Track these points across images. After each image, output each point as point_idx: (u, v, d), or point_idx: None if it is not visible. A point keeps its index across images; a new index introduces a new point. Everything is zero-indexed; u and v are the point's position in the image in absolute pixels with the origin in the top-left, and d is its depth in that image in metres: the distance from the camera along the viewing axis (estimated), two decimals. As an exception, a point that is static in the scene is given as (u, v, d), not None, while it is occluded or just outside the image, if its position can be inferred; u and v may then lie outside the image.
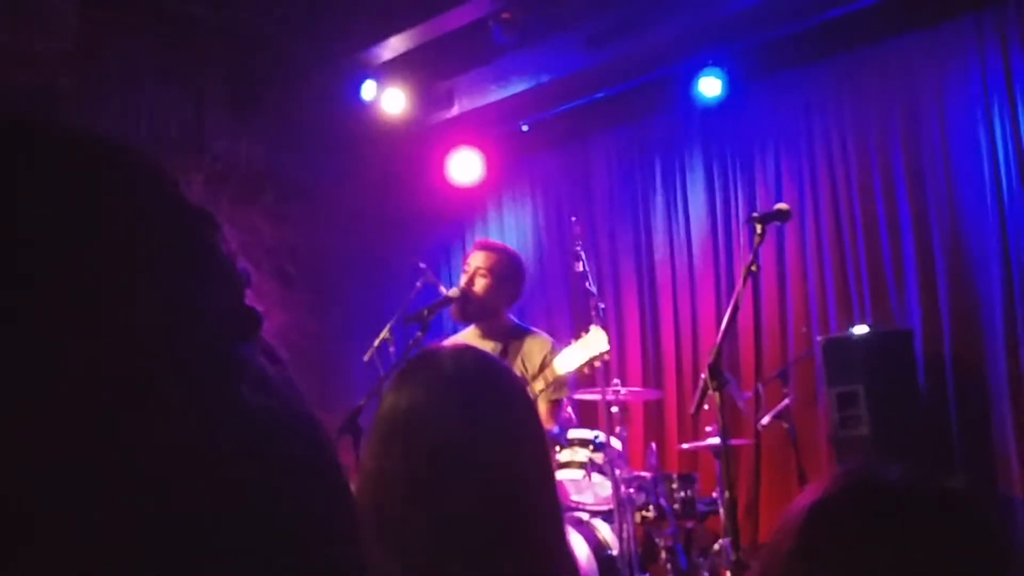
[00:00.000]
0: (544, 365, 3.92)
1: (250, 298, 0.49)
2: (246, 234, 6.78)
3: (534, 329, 4.14)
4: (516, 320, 4.18)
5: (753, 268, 2.92)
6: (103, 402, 0.41)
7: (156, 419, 0.42)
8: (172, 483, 0.42)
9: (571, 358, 3.78)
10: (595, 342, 3.75)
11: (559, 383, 3.93)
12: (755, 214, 3.12)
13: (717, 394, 2.74)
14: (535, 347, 3.96)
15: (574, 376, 4.04)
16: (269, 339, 0.49)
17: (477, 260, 4.10)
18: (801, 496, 1.07)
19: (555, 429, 4.06)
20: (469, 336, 4.10)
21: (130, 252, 0.45)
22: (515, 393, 1.43)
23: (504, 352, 3.98)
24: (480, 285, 4.04)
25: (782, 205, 3.17)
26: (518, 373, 3.72)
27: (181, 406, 0.43)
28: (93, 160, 0.47)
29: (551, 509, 1.40)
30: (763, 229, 3.02)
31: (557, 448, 4.58)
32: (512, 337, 4.04)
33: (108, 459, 0.41)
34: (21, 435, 0.40)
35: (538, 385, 3.82)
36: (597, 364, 3.82)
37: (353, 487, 1.43)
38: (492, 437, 1.34)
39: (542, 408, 3.88)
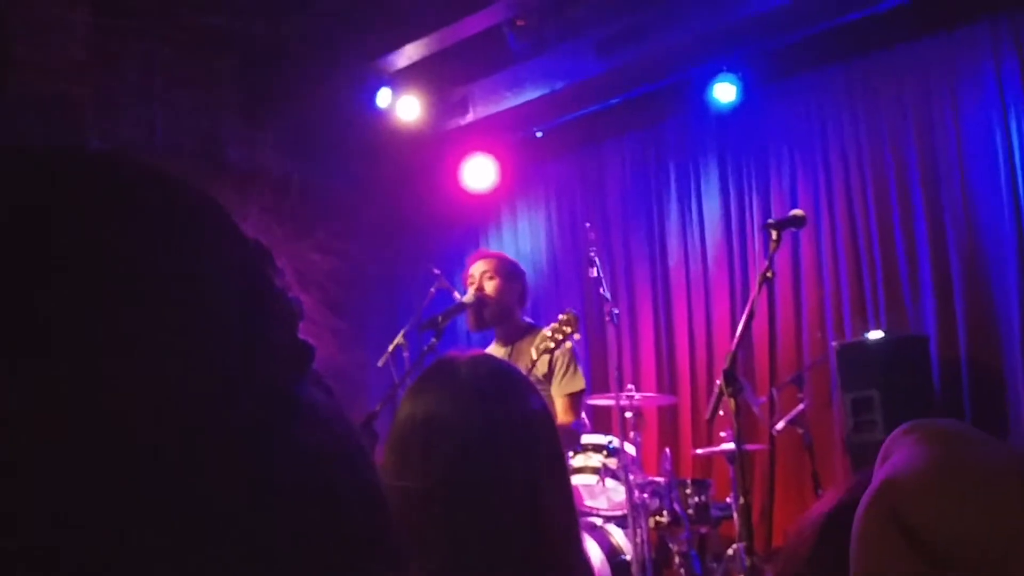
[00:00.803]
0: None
1: (302, 330, 0.50)
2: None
3: (547, 327, 4.14)
4: (530, 320, 4.20)
5: (769, 275, 2.93)
6: (160, 443, 0.42)
7: (212, 460, 0.43)
8: (230, 525, 0.43)
9: (543, 340, 3.81)
10: (564, 324, 3.79)
11: (569, 376, 3.94)
12: (770, 220, 3.12)
13: (732, 400, 2.74)
14: (538, 340, 3.97)
15: (585, 371, 4.08)
16: (319, 369, 0.50)
17: (479, 267, 4.13)
18: (816, 504, 1.08)
19: (574, 423, 4.06)
20: (490, 349, 4.11)
21: (192, 289, 0.45)
22: (532, 401, 1.43)
23: (511, 353, 4.00)
24: (491, 287, 4.06)
25: (797, 211, 3.17)
26: (524, 368, 3.73)
27: (238, 448, 0.44)
28: (158, 196, 0.48)
29: (568, 517, 1.40)
30: (779, 235, 3.03)
31: (571, 452, 4.59)
32: (523, 336, 4.06)
33: (164, 502, 0.41)
34: (77, 471, 0.41)
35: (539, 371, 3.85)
36: (569, 345, 3.85)
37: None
38: (509, 445, 1.35)
39: (559, 403, 3.89)
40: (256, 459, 0.44)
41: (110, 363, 0.42)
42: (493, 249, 6.58)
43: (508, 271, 4.12)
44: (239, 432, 0.44)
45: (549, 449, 1.40)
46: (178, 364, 0.43)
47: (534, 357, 3.80)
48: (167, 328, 0.44)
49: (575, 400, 4.00)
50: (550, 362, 3.91)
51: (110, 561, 0.40)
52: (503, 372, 1.44)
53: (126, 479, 0.41)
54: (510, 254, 4.85)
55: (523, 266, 4.41)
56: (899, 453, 0.91)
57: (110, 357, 0.42)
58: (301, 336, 0.49)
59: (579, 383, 3.99)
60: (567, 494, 1.43)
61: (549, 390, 3.90)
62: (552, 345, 3.80)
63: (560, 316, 3.85)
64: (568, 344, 3.87)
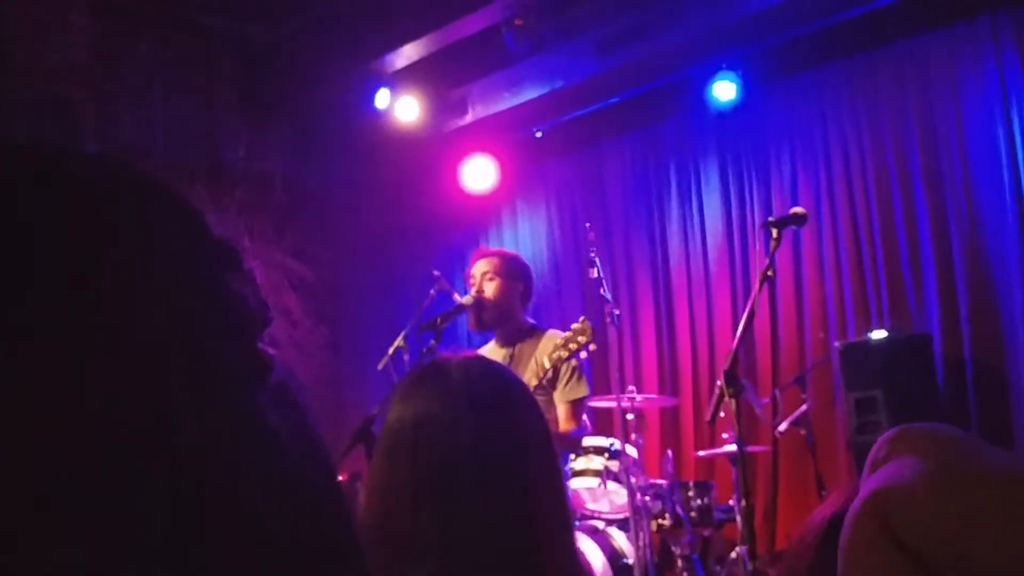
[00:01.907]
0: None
1: (264, 340, 0.47)
2: (260, 244, 6.79)
3: (551, 329, 4.10)
4: (532, 321, 4.15)
5: (769, 273, 2.89)
6: (96, 461, 0.40)
7: (154, 482, 0.41)
8: (168, 549, 0.40)
9: (556, 350, 3.76)
10: (579, 333, 3.74)
11: (573, 383, 3.91)
12: (771, 218, 3.09)
13: (733, 401, 2.71)
14: (550, 345, 3.93)
15: (587, 375, 4.04)
16: (284, 377, 0.47)
17: (480, 267, 4.09)
18: (819, 508, 1.04)
19: (575, 431, 4.02)
20: (487, 349, 4.08)
21: (137, 298, 0.43)
22: (524, 403, 1.41)
23: (512, 356, 3.96)
24: (490, 289, 4.02)
25: (798, 209, 3.14)
26: (534, 377, 3.70)
27: (181, 469, 0.42)
28: (111, 192, 0.45)
29: (561, 520, 1.37)
30: (779, 233, 2.99)
31: (573, 456, 4.55)
32: (526, 338, 4.02)
33: (102, 522, 0.40)
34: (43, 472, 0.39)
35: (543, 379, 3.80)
36: (584, 355, 3.81)
37: (363, 496, 1.41)
38: (500, 448, 1.32)
39: (561, 409, 3.85)
40: (199, 481, 0.42)
41: (43, 370, 0.39)
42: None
43: (510, 271, 4.06)
44: (183, 452, 0.41)
45: (541, 451, 1.37)
46: (120, 377, 0.41)
47: (547, 366, 3.76)
48: (109, 341, 0.41)
49: (577, 407, 3.96)
50: (555, 367, 3.88)
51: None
52: (495, 374, 1.41)
53: (62, 500, 0.39)
54: (511, 254, 4.80)
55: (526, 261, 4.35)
56: (892, 463, 0.89)
57: (43, 364, 0.39)
58: (263, 346, 0.46)
59: (582, 390, 3.96)
60: (560, 497, 1.41)
61: (551, 395, 3.86)
62: (566, 355, 3.76)
63: (574, 325, 3.78)
64: (583, 354, 3.83)
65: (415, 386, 1.38)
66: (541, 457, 1.36)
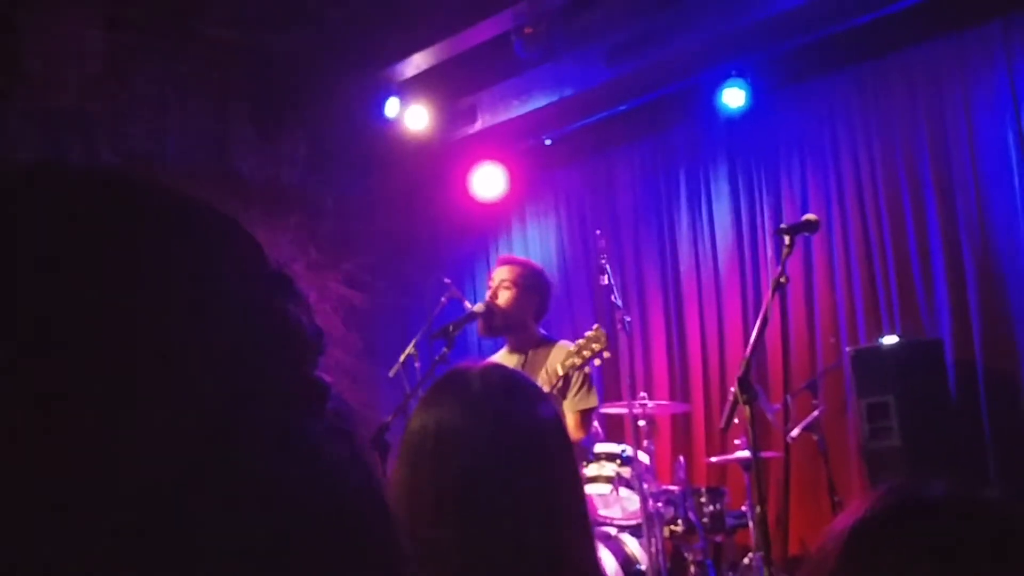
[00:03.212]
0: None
1: (321, 368, 0.47)
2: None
3: (562, 340, 4.11)
4: (544, 332, 4.17)
5: (782, 280, 2.90)
6: (154, 483, 0.40)
7: (207, 504, 0.41)
8: (222, 557, 0.41)
9: (569, 357, 3.77)
10: (593, 340, 3.75)
11: (583, 393, 3.92)
12: (783, 226, 3.09)
13: (747, 408, 2.71)
14: (561, 356, 3.94)
15: (596, 383, 4.05)
16: (337, 405, 0.47)
17: (501, 274, 4.11)
18: (841, 516, 1.05)
19: (584, 440, 4.04)
20: (499, 356, 4.09)
21: (202, 320, 0.44)
22: (544, 412, 1.42)
23: (524, 363, 3.97)
24: (504, 298, 4.04)
25: (810, 216, 3.14)
26: (546, 384, 3.71)
27: (235, 489, 0.42)
28: (175, 225, 0.46)
29: (581, 527, 1.39)
30: (792, 240, 3.00)
31: (584, 463, 4.56)
32: (537, 348, 4.03)
33: (155, 548, 0.40)
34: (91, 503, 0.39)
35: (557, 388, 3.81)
36: (597, 363, 3.81)
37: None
38: (521, 456, 1.33)
39: (570, 419, 3.86)
40: (248, 503, 0.42)
41: (100, 400, 0.40)
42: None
43: (528, 283, 4.08)
44: (240, 479, 0.42)
45: (561, 459, 1.39)
46: (176, 403, 0.41)
47: (560, 373, 3.77)
48: (166, 364, 0.42)
49: (587, 417, 3.98)
50: (566, 376, 3.89)
51: None
52: (515, 383, 1.43)
53: (115, 518, 0.39)
54: (521, 263, 4.80)
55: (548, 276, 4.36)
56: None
57: (90, 386, 0.40)
58: (317, 373, 0.47)
59: (592, 400, 3.97)
60: (580, 504, 1.42)
61: (562, 404, 3.87)
62: (579, 362, 3.77)
63: (588, 333, 3.80)
64: (597, 361, 3.84)
65: (437, 395, 1.39)
66: (561, 465, 1.37)
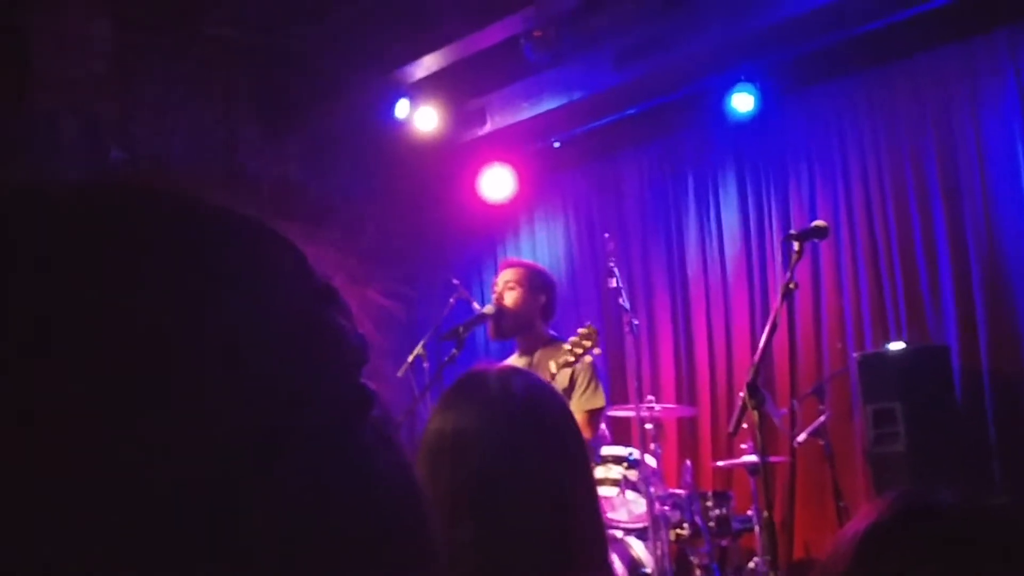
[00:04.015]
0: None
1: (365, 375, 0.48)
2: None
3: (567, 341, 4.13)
4: (553, 333, 4.18)
5: (792, 286, 2.91)
6: (197, 490, 0.41)
7: (254, 509, 0.41)
8: (270, 569, 0.42)
9: (562, 354, 3.80)
10: (584, 338, 3.78)
11: (590, 393, 3.94)
12: (792, 232, 3.11)
13: (756, 412, 2.73)
14: (559, 354, 3.96)
15: (605, 386, 4.07)
16: (382, 412, 0.48)
17: (505, 276, 4.14)
18: (853, 521, 1.07)
19: (591, 441, 4.05)
20: (511, 360, 4.11)
21: (252, 329, 0.44)
22: (560, 414, 1.43)
23: (531, 364, 3.99)
24: (511, 298, 4.06)
25: (819, 222, 3.16)
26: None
27: (283, 498, 0.42)
28: (222, 235, 0.47)
29: (596, 531, 1.40)
30: (801, 247, 3.01)
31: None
32: (545, 348, 4.05)
33: (215, 546, 0.41)
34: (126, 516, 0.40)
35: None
36: (588, 359, 3.84)
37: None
38: (538, 460, 1.35)
39: (578, 419, 3.87)
40: (305, 503, 0.43)
41: (150, 398, 0.41)
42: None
43: (533, 283, 4.10)
44: (288, 477, 0.42)
45: (577, 463, 1.40)
46: (225, 403, 0.42)
47: (553, 371, 3.80)
48: (212, 368, 0.42)
49: (594, 417, 4.00)
50: (571, 376, 3.91)
51: None
52: (533, 386, 1.44)
53: (160, 532, 0.40)
54: (529, 265, 4.83)
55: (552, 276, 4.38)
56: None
57: (139, 393, 0.41)
58: (363, 380, 0.48)
59: (599, 400, 3.99)
60: (595, 508, 1.43)
61: (569, 405, 3.88)
62: (572, 359, 3.80)
63: (580, 330, 3.84)
64: (588, 359, 3.86)
65: (454, 397, 1.41)
66: (577, 468, 1.39)
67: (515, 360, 4.10)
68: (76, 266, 0.43)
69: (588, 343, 3.80)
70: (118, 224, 0.45)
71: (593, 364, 4.02)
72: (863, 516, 1.07)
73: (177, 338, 0.42)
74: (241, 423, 0.42)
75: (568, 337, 4.13)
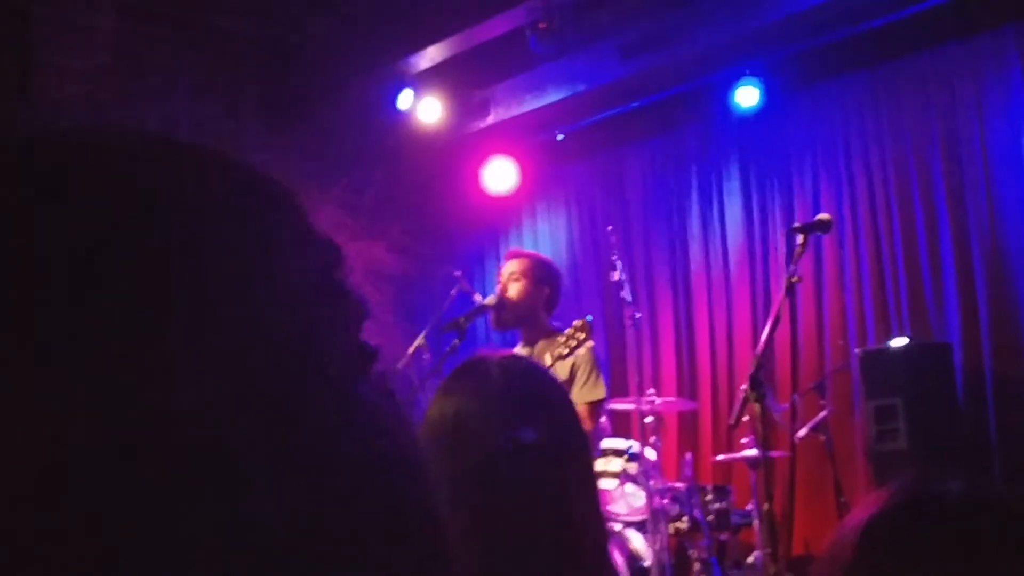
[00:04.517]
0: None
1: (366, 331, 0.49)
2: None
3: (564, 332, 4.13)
4: (556, 324, 4.18)
5: (795, 280, 2.90)
6: (222, 446, 0.41)
7: (272, 461, 0.42)
8: (281, 529, 0.41)
9: (557, 347, 3.81)
10: (579, 330, 3.79)
11: (591, 384, 3.94)
12: (796, 224, 3.10)
13: (757, 406, 2.72)
14: (554, 346, 3.96)
15: (606, 377, 4.07)
16: (385, 368, 0.49)
17: (510, 267, 4.14)
18: (857, 509, 1.06)
19: (592, 432, 4.05)
20: (516, 349, 4.11)
21: (257, 284, 0.44)
22: (561, 402, 1.43)
23: (533, 355, 3.99)
24: (514, 290, 4.06)
25: (824, 215, 3.15)
26: None
27: (295, 448, 0.43)
28: (227, 184, 0.47)
29: (596, 522, 1.40)
30: (805, 240, 3.00)
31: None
32: (547, 339, 4.05)
33: (226, 500, 0.41)
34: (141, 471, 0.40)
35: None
36: (582, 351, 3.85)
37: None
38: (538, 447, 1.34)
39: (578, 410, 3.87)
40: (315, 460, 0.43)
41: (155, 356, 0.41)
42: (515, 251, 6.58)
43: (537, 275, 4.10)
44: (297, 433, 0.43)
45: (578, 453, 1.40)
46: (234, 359, 0.42)
47: (548, 363, 3.80)
48: (226, 320, 0.43)
49: (595, 408, 4.00)
50: (571, 368, 3.90)
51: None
52: (535, 374, 1.44)
53: (166, 481, 0.39)
54: (532, 257, 4.82)
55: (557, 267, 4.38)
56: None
57: (156, 351, 0.41)
58: (365, 337, 0.48)
59: (600, 391, 3.99)
60: (595, 498, 1.43)
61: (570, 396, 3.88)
62: (565, 352, 3.80)
63: (574, 323, 3.84)
64: (582, 351, 3.87)
65: (456, 382, 1.41)
66: (578, 458, 1.38)
67: (519, 351, 4.09)
68: (82, 208, 0.42)
69: (581, 335, 3.81)
70: (107, 175, 0.44)
71: (594, 356, 4.01)
72: (867, 505, 1.06)
73: (180, 300, 0.42)
74: (245, 384, 0.42)
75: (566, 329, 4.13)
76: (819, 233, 3.13)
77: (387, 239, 7.07)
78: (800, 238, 3.01)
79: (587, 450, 1.44)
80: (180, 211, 0.44)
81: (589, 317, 3.91)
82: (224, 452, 0.41)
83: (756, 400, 2.69)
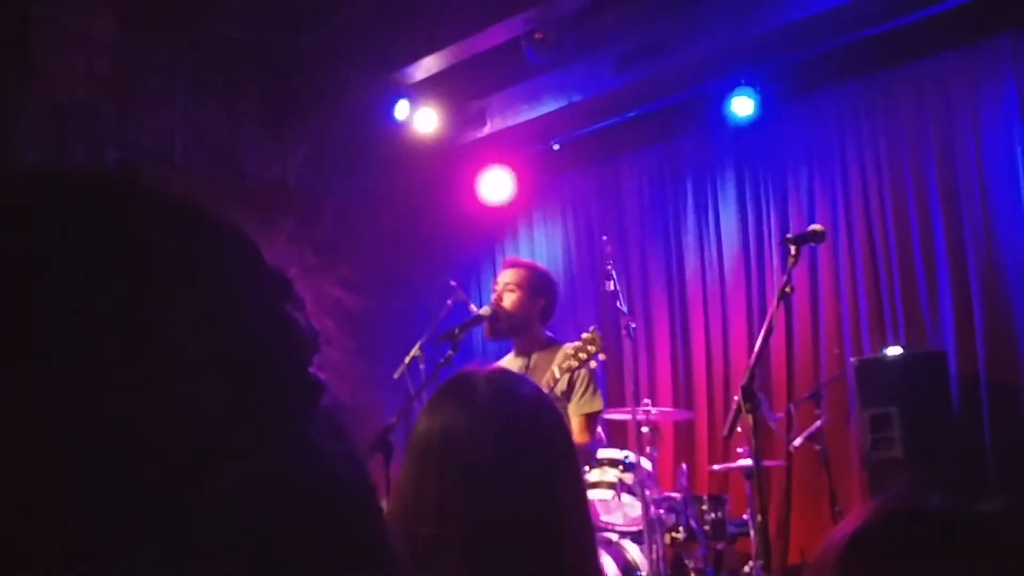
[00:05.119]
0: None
1: (315, 365, 0.49)
2: (279, 252, 6.84)
3: (568, 343, 4.12)
4: (550, 335, 4.18)
5: (788, 290, 2.91)
6: (166, 473, 0.42)
7: (210, 497, 0.42)
8: (225, 556, 0.42)
9: (566, 359, 3.79)
10: (589, 343, 3.77)
11: (588, 397, 3.93)
12: (789, 236, 3.10)
13: (750, 416, 2.72)
14: (561, 358, 3.95)
15: (602, 389, 4.06)
16: (332, 402, 0.49)
17: (506, 277, 4.12)
18: (839, 526, 1.06)
19: (588, 444, 4.05)
20: (505, 360, 4.10)
21: (201, 319, 0.45)
22: (548, 416, 1.43)
23: (528, 365, 3.98)
24: (509, 300, 4.05)
25: (816, 226, 3.15)
26: (544, 386, 3.73)
27: (241, 480, 0.43)
28: (179, 226, 0.48)
29: (584, 534, 1.40)
30: (797, 251, 3.01)
31: (586, 468, 4.57)
32: (542, 351, 4.04)
33: (166, 527, 0.41)
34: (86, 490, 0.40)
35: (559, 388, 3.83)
36: (593, 364, 3.83)
37: (385, 507, 1.44)
38: (525, 461, 1.35)
39: (575, 422, 3.88)
40: (253, 493, 0.43)
41: (108, 384, 0.41)
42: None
43: (533, 285, 4.08)
44: (236, 467, 0.43)
45: (566, 466, 1.40)
46: (179, 392, 0.43)
47: (557, 376, 3.79)
48: (172, 355, 0.43)
49: (591, 420, 3.99)
50: (570, 380, 3.90)
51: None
52: (521, 387, 1.44)
53: (111, 508, 0.40)
54: (528, 267, 4.82)
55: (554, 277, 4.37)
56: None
57: (109, 380, 0.41)
58: (313, 371, 0.49)
59: (597, 404, 3.98)
60: (584, 511, 1.43)
61: (567, 407, 3.88)
62: (576, 364, 3.79)
63: (584, 335, 3.82)
64: (593, 364, 3.85)
65: (442, 398, 1.41)
66: (564, 469, 1.39)
67: (511, 360, 4.09)
68: (15, 260, 0.43)
69: (592, 348, 3.79)
70: (60, 214, 0.45)
71: (594, 368, 4.01)
72: (852, 519, 1.06)
73: (129, 336, 0.42)
74: (192, 418, 0.43)
75: (565, 340, 4.12)
76: (812, 244, 3.13)
77: (329, 252, 7.08)
78: (792, 249, 3.01)
79: (575, 462, 1.45)
80: (122, 248, 0.45)
81: (593, 328, 3.89)
82: (168, 488, 0.41)
83: (749, 411, 2.70)
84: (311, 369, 0.49)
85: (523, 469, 1.34)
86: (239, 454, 0.43)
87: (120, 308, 0.43)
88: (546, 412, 1.43)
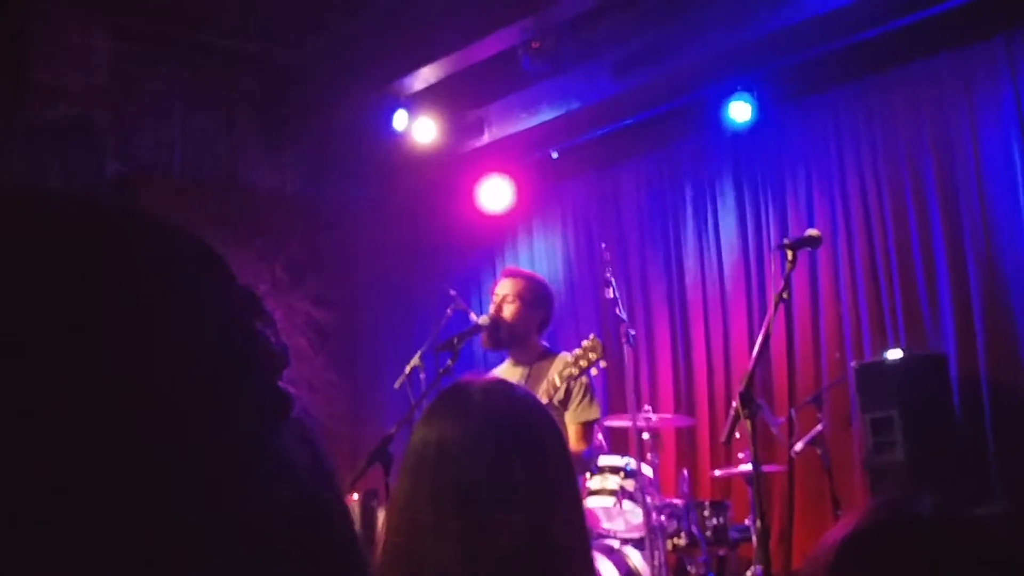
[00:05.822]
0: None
1: (284, 379, 0.50)
2: (279, 264, 6.85)
3: (564, 352, 4.13)
4: (546, 345, 4.18)
5: (784, 295, 2.91)
6: (128, 485, 0.42)
7: (180, 507, 0.43)
8: (192, 568, 0.43)
9: (567, 367, 3.80)
10: (589, 350, 3.77)
11: (585, 405, 3.94)
12: (786, 240, 3.10)
13: (749, 422, 2.73)
14: (562, 364, 3.95)
15: (600, 395, 4.06)
16: (301, 414, 0.50)
17: (505, 287, 4.12)
18: (831, 531, 1.07)
19: (585, 452, 4.05)
20: (503, 368, 4.11)
21: (169, 336, 0.45)
22: (544, 425, 1.44)
23: (528, 375, 3.99)
24: (508, 311, 4.05)
25: (813, 231, 3.16)
26: (544, 394, 3.73)
27: (207, 495, 0.44)
28: (148, 246, 0.48)
29: (579, 543, 1.40)
30: (794, 255, 3.01)
31: (587, 475, 4.57)
32: (540, 360, 4.05)
33: (128, 541, 0.42)
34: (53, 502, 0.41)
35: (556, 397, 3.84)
36: (594, 372, 3.83)
37: (383, 516, 1.45)
38: (521, 471, 1.35)
39: (571, 431, 3.88)
40: (223, 507, 0.44)
41: (76, 400, 0.42)
42: (510, 270, 6.58)
43: (531, 297, 4.09)
44: (206, 481, 0.44)
45: (560, 476, 1.40)
46: (148, 407, 0.43)
47: (557, 384, 3.79)
48: (139, 372, 0.44)
49: (588, 429, 3.99)
50: (567, 388, 3.90)
51: None
52: (517, 398, 1.45)
53: (81, 519, 0.41)
54: (527, 275, 4.82)
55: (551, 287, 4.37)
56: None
57: (76, 392, 0.42)
58: (282, 384, 0.49)
59: (594, 412, 3.98)
60: (579, 520, 1.44)
61: (563, 415, 3.88)
62: (576, 372, 3.79)
63: (584, 343, 3.82)
64: (594, 371, 3.85)
65: (439, 409, 1.42)
66: (561, 478, 1.39)
67: (508, 369, 4.09)
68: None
69: (593, 356, 3.79)
70: (26, 234, 0.45)
71: (590, 376, 4.01)
72: (841, 526, 1.07)
73: (95, 348, 0.43)
74: (161, 433, 0.43)
75: (561, 349, 4.12)
76: (809, 249, 3.14)
77: (330, 262, 7.09)
78: (789, 254, 3.01)
79: (570, 471, 1.45)
80: (89, 268, 0.45)
81: (593, 335, 3.89)
82: (135, 503, 0.42)
83: (747, 417, 2.70)
84: (279, 382, 0.50)
85: (518, 481, 1.34)
86: (206, 466, 0.44)
87: (87, 322, 0.43)
88: (542, 422, 1.44)
